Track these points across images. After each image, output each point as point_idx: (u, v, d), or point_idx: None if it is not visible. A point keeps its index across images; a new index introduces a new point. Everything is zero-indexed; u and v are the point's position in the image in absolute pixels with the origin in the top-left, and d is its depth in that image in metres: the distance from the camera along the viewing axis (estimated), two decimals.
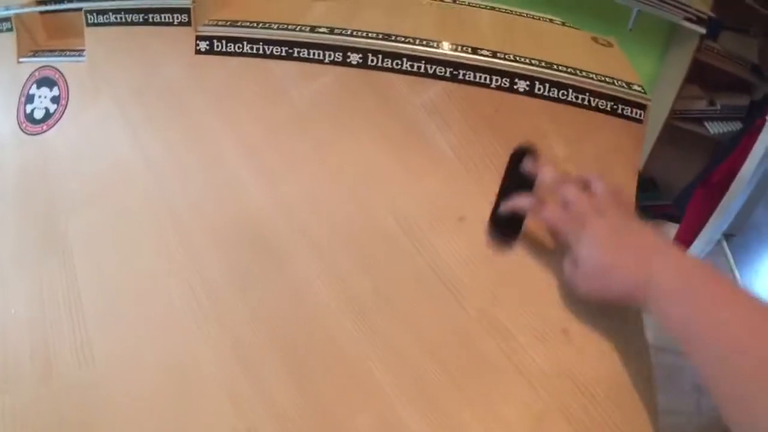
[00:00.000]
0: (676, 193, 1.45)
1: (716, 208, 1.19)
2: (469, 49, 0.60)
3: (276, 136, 0.57)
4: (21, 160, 0.66)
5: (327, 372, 0.46)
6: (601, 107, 0.60)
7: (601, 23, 1.36)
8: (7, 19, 0.72)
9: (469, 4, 0.75)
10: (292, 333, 0.48)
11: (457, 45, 0.60)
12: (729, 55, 1.47)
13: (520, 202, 0.51)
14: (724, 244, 1.29)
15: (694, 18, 1.31)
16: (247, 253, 0.52)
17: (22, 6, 0.72)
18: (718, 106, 1.51)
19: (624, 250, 0.43)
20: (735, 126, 1.49)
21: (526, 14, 0.78)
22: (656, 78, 1.49)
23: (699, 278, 0.40)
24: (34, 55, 0.71)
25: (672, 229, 1.47)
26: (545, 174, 0.51)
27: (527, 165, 0.53)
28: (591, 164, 0.57)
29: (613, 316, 0.48)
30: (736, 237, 1.28)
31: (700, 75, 1.47)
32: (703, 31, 1.33)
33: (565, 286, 0.48)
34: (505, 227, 0.52)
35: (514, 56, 0.61)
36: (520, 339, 0.48)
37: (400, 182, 0.56)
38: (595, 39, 0.74)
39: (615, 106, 0.59)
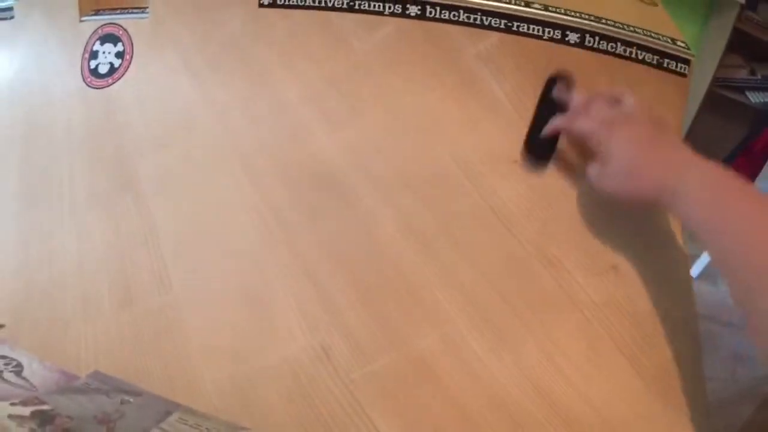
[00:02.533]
0: (718, 162, 1.48)
1: (758, 176, 1.23)
2: (522, 2, 0.64)
3: (339, 83, 0.63)
4: (87, 112, 0.73)
5: (394, 296, 0.52)
6: (647, 60, 0.64)
7: None
8: None
9: None
10: (360, 260, 0.54)
11: None
12: None
13: (553, 122, 0.55)
14: None
15: None
16: (315, 190, 0.58)
17: None
18: (759, 76, 1.54)
19: (655, 152, 0.45)
20: None
21: None
22: (698, 46, 1.52)
23: (727, 186, 0.42)
24: (96, 14, 0.77)
25: None
26: (578, 97, 0.55)
27: (560, 90, 0.57)
28: None
29: (660, 254, 0.53)
30: None
31: (741, 44, 1.50)
32: (742, 1, 1.35)
33: (616, 226, 0.53)
34: (540, 149, 0.57)
35: (565, 10, 0.65)
36: (573, 272, 0.53)
37: (458, 127, 0.61)
38: None
39: (661, 60, 0.63)
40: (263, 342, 0.50)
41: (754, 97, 1.51)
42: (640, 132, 0.48)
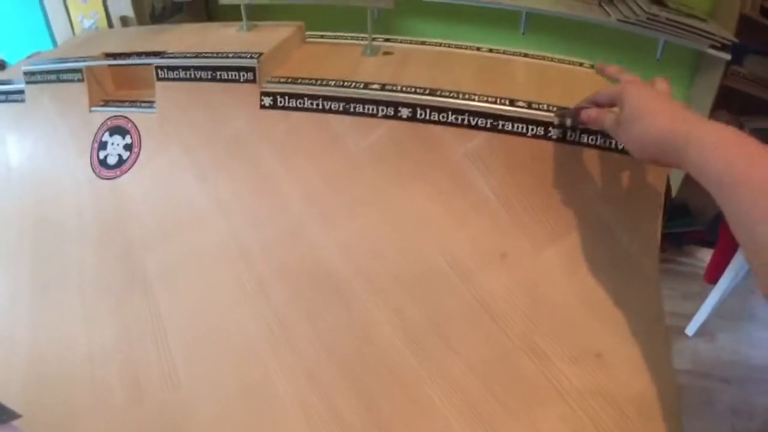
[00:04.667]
0: (709, 219, 1.54)
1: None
2: (507, 101, 0.71)
3: (335, 183, 0.69)
4: (97, 202, 0.79)
5: (389, 394, 0.57)
6: (626, 151, 0.71)
7: (630, 54, 1.47)
8: (78, 71, 0.85)
9: (504, 52, 0.87)
10: (357, 359, 0.59)
11: (496, 97, 0.71)
12: (755, 78, 1.58)
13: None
14: None
15: (719, 45, 1.42)
16: (313, 289, 0.64)
17: (94, 59, 0.85)
18: (747, 130, 1.61)
19: (665, 103, 0.49)
20: None
21: (558, 59, 0.89)
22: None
23: (746, 141, 0.42)
24: (105, 105, 0.84)
25: (706, 254, 1.57)
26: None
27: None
28: (619, 201, 0.68)
29: (643, 340, 0.58)
30: None
31: (727, 100, 1.58)
32: (728, 57, 1.43)
33: (600, 314, 0.59)
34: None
35: (548, 106, 0.72)
36: (557, 362, 0.58)
37: (448, 225, 0.67)
38: None
39: None
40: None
41: None
42: (649, 89, 0.53)
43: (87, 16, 1.27)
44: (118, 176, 0.79)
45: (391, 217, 0.67)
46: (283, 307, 0.62)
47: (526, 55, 0.89)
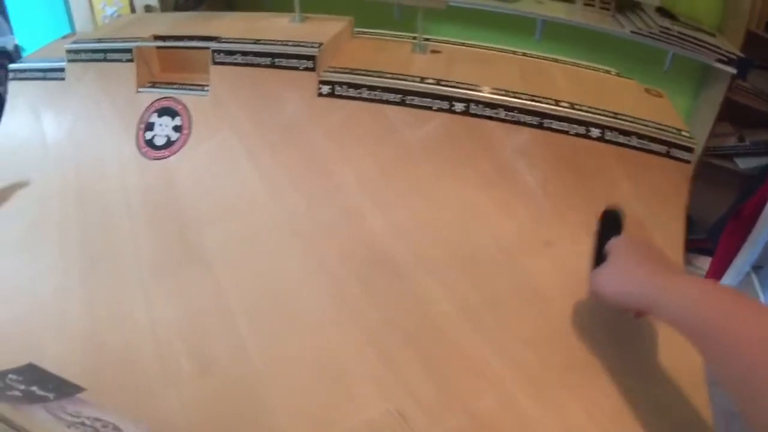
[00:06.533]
0: (710, 228, 1.64)
1: (746, 240, 1.37)
2: (552, 101, 0.77)
3: (389, 171, 0.74)
4: (144, 181, 0.82)
5: (452, 364, 0.61)
6: (657, 151, 0.77)
7: (639, 64, 1.56)
8: (127, 51, 0.88)
9: (537, 57, 0.94)
10: (420, 334, 0.63)
11: (542, 97, 0.77)
12: (758, 93, 1.69)
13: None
14: (753, 275, 1.47)
15: (726, 59, 1.52)
16: (371, 269, 0.68)
17: (145, 40, 0.88)
18: (748, 142, 1.72)
19: (647, 258, 0.54)
20: (764, 161, 1.69)
21: (585, 65, 0.96)
22: (689, 117, 1.70)
23: (712, 290, 0.46)
24: (152, 86, 0.87)
25: (705, 262, 1.66)
26: None
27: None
28: (650, 198, 0.75)
29: None
30: (764, 269, 1.46)
31: (730, 112, 1.68)
32: (734, 71, 1.53)
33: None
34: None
35: (588, 107, 0.78)
36: (597, 336, 0.64)
37: (495, 214, 0.73)
38: (648, 90, 0.92)
39: (668, 150, 0.77)
40: (343, 408, 0.58)
41: (743, 163, 1.69)
42: (639, 244, 0.59)
43: (110, 4, 1.30)
44: (167, 157, 0.82)
45: (443, 204, 0.72)
46: (344, 284, 0.66)
47: (556, 61, 0.96)
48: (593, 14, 1.63)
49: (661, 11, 1.63)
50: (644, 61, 1.62)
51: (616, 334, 0.64)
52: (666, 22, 1.52)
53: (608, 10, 1.67)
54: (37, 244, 0.79)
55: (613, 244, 0.60)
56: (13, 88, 0.97)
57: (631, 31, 1.52)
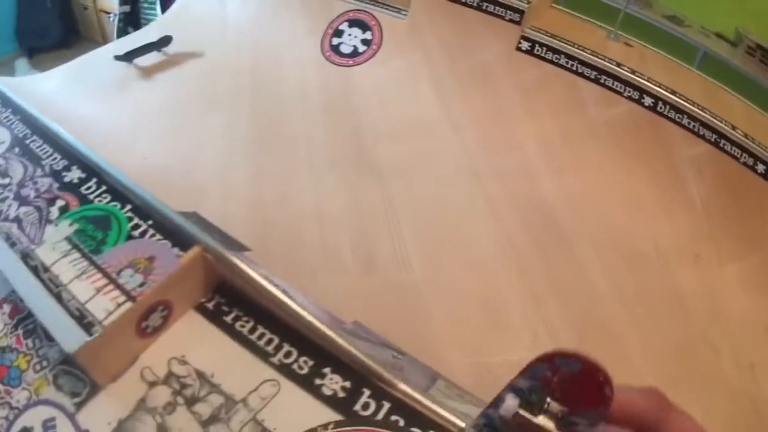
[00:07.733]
0: None
1: None
2: (730, 125, 0.79)
3: (570, 142, 0.77)
4: (323, 83, 0.85)
5: (601, 341, 0.63)
6: None
7: None
8: None
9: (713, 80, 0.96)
10: (577, 300, 0.65)
11: (722, 118, 0.79)
12: None
13: None
14: None
15: None
16: (540, 227, 0.71)
17: None
18: None
19: None
20: None
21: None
22: None
23: None
24: None
25: None
26: None
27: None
28: None
29: None
30: None
31: None
32: None
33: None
34: None
35: (759, 142, 0.80)
36: (727, 357, 0.67)
37: (658, 215, 0.76)
38: None
39: None
40: (502, 341, 0.61)
41: None
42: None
43: None
44: (350, 66, 0.85)
45: (613, 187, 0.75)
46: (514, 232, 0.69)
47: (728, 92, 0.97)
48: (752, 64, 1.62)
49: None
50: None
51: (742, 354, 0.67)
52: None
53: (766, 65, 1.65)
54: (204, 108, 0.82)
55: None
56: None
57: None
